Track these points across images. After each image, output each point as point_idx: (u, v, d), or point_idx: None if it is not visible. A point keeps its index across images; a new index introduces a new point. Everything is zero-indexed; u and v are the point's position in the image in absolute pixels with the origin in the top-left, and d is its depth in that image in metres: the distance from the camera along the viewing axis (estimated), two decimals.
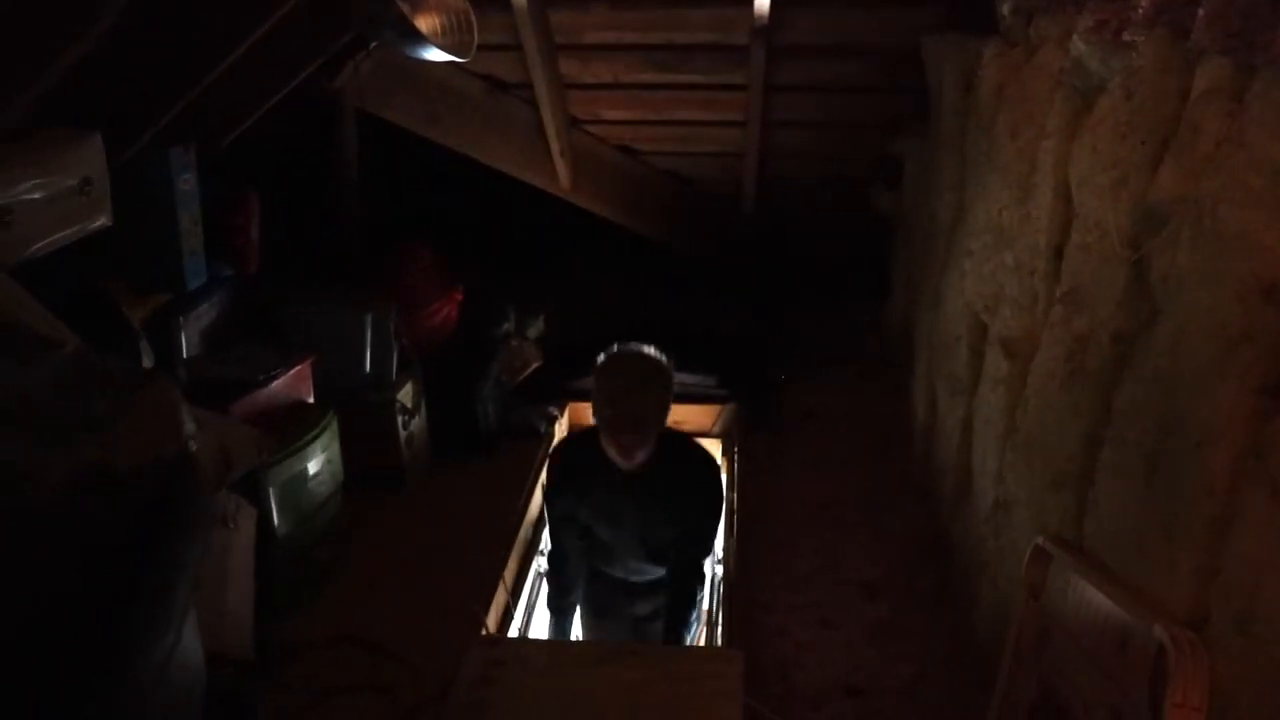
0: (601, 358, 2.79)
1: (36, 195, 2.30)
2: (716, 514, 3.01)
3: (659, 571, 3.08)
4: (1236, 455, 1.45)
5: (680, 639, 2.97)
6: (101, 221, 2.55)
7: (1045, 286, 2.48)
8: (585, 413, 4.13)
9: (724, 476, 3.10)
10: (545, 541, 3.75)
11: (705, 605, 3.43)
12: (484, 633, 3.15)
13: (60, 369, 1.20)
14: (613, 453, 2.75)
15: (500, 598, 3.43)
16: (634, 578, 3.12)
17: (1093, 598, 1.89)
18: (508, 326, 4.51)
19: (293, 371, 3.33)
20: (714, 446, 4.55)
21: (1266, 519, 1.36)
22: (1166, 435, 1.69)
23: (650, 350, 2.78)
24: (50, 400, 1.01)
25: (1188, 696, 1.46)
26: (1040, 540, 2.19)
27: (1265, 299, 1.43)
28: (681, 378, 4.47)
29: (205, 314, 3.51)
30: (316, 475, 3.21)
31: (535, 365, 4.60)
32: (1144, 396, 1.81)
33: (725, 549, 3.72)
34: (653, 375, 2.73)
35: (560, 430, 4.56)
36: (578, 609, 3.26)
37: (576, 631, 3.32)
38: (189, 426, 1.22)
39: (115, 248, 2.77)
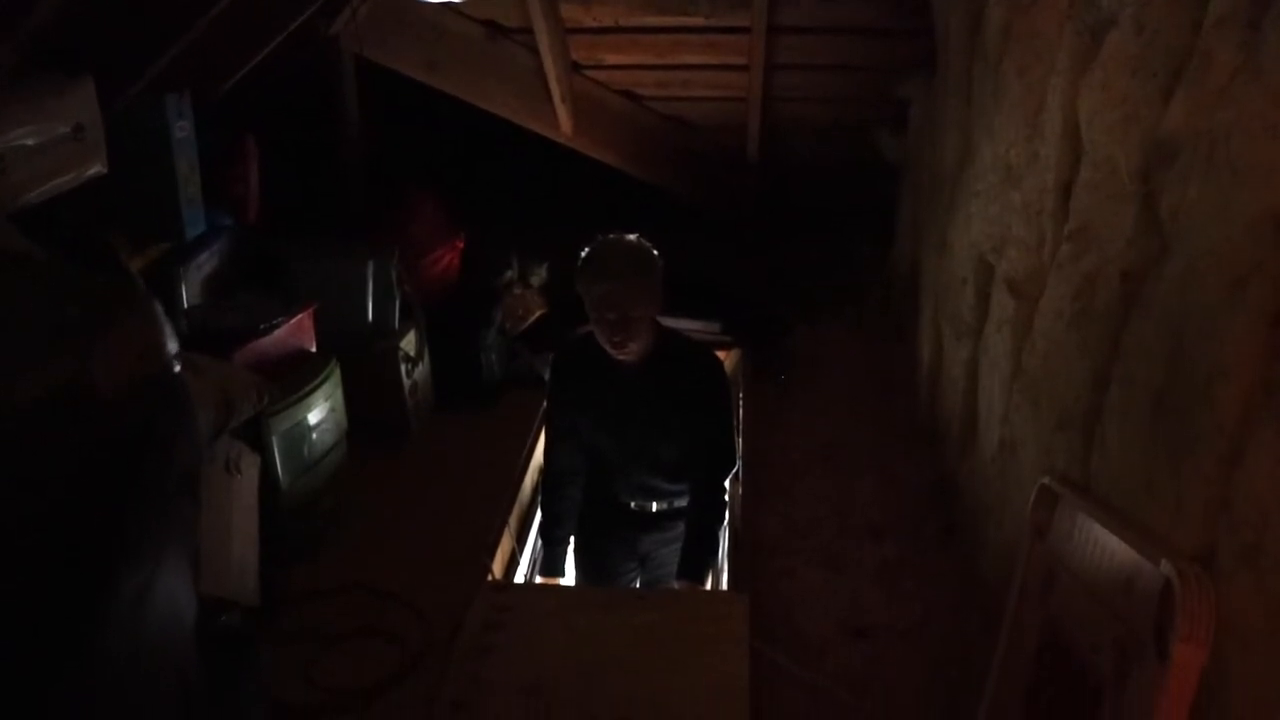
0: (590, 244, 2.73)
1: (29, 141, 2.28)
2: (726, 409, 2.96)
3: (666, 499, 3.03)
4: (1246, 390, 1.43)
5: (699, 574, 2.93)
6: (96, 169, 2.53)
7: (1053, 226, 2.45)
8: None
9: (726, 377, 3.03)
10: None
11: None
12: (490, 579, 3.16)
13: (29, 279, 1.16)
14: (607, 347, 2.70)
15: (506, 544, 3.43)
16: (639, 504, 3.05)
17: (1099, 536, 1.87)
18: (511, 274, 4.49)
19: (294, 320, 3.32)
20: None
21: (1276, 453, 1.34)
22: (1175, 372, 1.67)
23: (634, 237, 2.73)
24: (19, 312, 0.97)
25: (1193, 631, 1.45)
26: (1046, 480, 2.17)
27: (1277, 231, 1.40)
28: (685, 324, 4.46)
29: (206, 263, 3.50)
30: (320, 424, 3.21)
31: (539, 313, 4.59)
32: (1152, 334, 1.79)
33: (730, 494, 3.72)
34: (638, 261, 2.67)
35: None
36: (571, 548, 3.21)
37: (569, 570, 3.26)
38: (172, 344, 1.19)
39: (112, 197, 2.75)
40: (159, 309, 1.22)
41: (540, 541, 3.21)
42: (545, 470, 3.11)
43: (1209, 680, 1.49)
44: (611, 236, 2.73)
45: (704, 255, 5.17)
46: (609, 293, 2.62)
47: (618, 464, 2.97)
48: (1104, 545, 1.85)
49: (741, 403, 4.26)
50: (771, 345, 4.69)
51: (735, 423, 3.68)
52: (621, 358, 2.72)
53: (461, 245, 4.47)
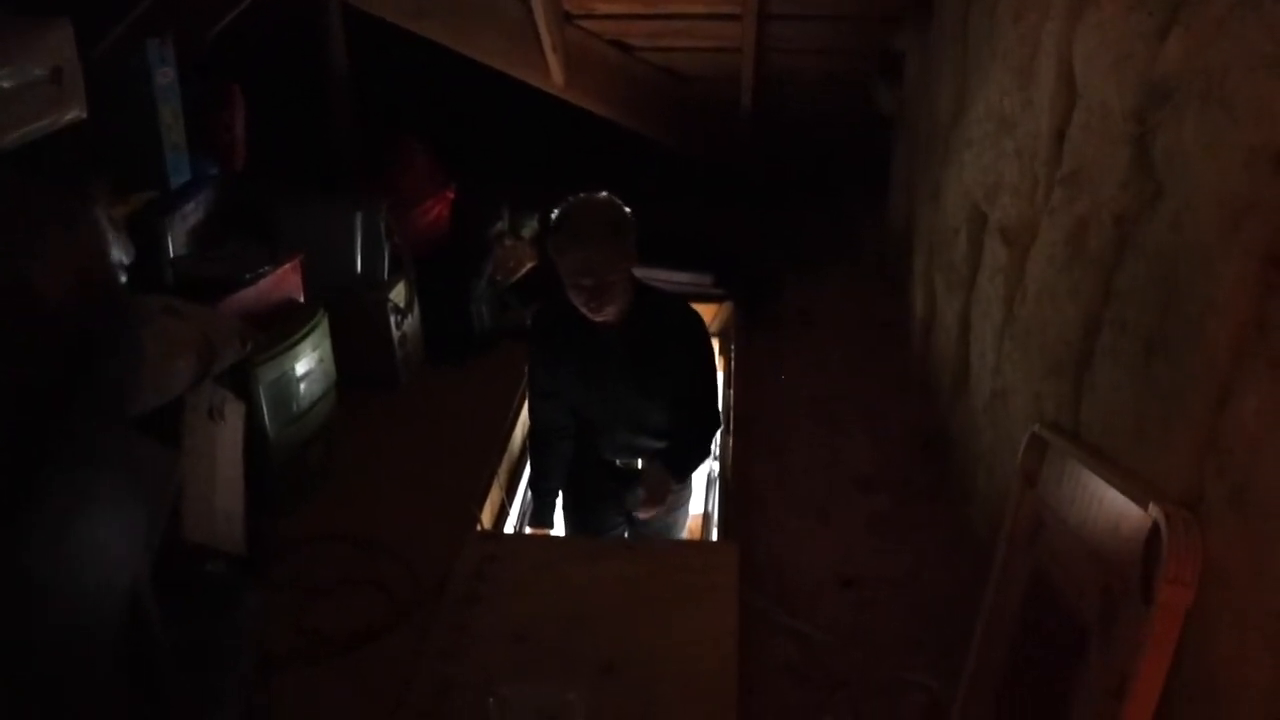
0: (558, 206, 2.65)
1: (4, 84, 2.23)
2: (708, 366, 2.91)
3: (651, 457, 2.97)
4: (1239, 328, 1.41)
5: (678, 469, 2.91)
6: (75, 114, 2.48)
7: (1046, 172, 2.42)
8: None
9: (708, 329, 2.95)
10: None
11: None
12: (478, 529, 3.16)
13: None
14: (584, 311, 2.65)
15: (495, 495, 3.42)
16: (624, 461, 3.00)
17: (1088, 482, 1.86)
18: (501, 226, 4.45)
19: (281, 270, 3.29)
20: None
21: (1267, 391, 1.32)
22: (1167, 313, 1.65)
23: (606, 195, 2.66)
24: None
25: (1180, 573, 1.44)
26: (1036, 428, 2.16)
27: (1273, 167, 1.38)
28: (678, 277, 4.44)
29: (192, 213, 3.46)
30: (307, 374, 3.19)
31: (530, 265, 4.55)
32: (1145, 275, 1.77)
33: (722, 446, 3.71)
34: (611, 223, 2.60)
35: None
36: (560, 505, 3.16)
37: (559, 524, 3.22)
38: (116, 254, 1.16)
39: (95, 144, 2.71)
40: (105, 222, 1.18)
41: (530, 493, 3.19)
42: (531, 428, 3.07)
43: (1192, 623, 1.48)
44: (581, 197, 2.65)
45: (697, 208, 5.14)
46: (583, 259, 2.56)
47: (601, 423, 2.93)
48: (1092, 491, 1.84)
49: (733, 355, 4.24)
50: (764, 298, 4.66)
51: (720, 378, 3.66)
52: (599, 320, 2.67)
53: (451, 196, 4.43)
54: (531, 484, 3.15)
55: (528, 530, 3.19)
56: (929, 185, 3.76)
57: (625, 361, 2.77)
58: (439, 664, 2.45)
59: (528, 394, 3.03)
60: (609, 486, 3.05)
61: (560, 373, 2.84)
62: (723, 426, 2.95)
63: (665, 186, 5.15)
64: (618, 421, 2.90)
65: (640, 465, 3.00)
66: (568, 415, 2.92)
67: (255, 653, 2.13)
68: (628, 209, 2.65)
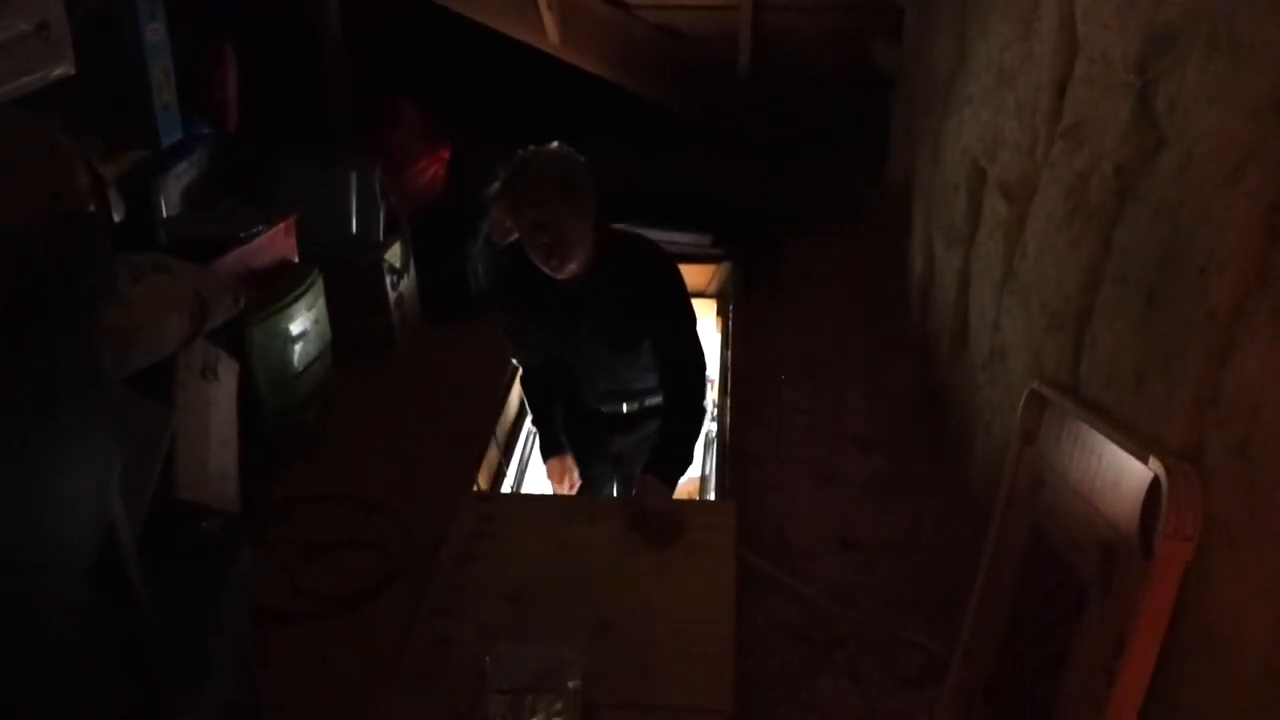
0: (510, 162, 2.56)
1: None
2: (681, 310, 2.78)
3: (637, 400, 2.94)
4: (1242, 279, 1.39)
5: (668, 475, 2.76)
6: (63, 69, 2.44)
7: (1046, 126, 2.39)
8: None
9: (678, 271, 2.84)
10: None
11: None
12: (475, 490, 3.15)
13: None
14: (545, 269, 2.58)
15: (492, 455, 3.41)
16: (608, 407, 2.96)
17: (1087, 438, 1.85)
18: (497, 186, 4.40)
19: (275, 229, 3.26)
20: (709, 306, 4.51)
21: (1270, 342, 1.30)
22: (1168, 265, 1.63)
23: (559, 147, 2.57)
24: None
25: (1180, 526, 1.42)
26: (1035, 385, 2.14)
27: (1278, 114, 1.35)
28: (676, 237, 4.41)
29: (184, 173, 3.43)
30: (302, 335, 3.16)
31: None
32: (1146, 228, 1.74)
33: (720, 406, 3.70)
34: (566, 178, 2.50)
35: None
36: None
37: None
38: (84, 180, 1.13)
39: (84, 102, 2.67)
40: (75, 151, 1.16)
41: (535, 430, 3.19)
42: (520, 372, 3.07)
43: (1191, 578, 1.47)
44: (532, 150, 2.56)
45: (695, 168, 5.10)
46: (536, 217, 2.49)
47: (579, 371, 2.88)
48: (1092, 447, 1.82)
49: (731, 316, 4.22)
50: (762, 258, 4.64)
51: (717, 338, 3.61)
52: (561, 278, 2.60)
53: (447, 156, 4.39)
54: (534, 420, 3.14)
55: (544, 467, 3.14)
56: (928, 143, 3.73)
57: (593, 314, 2.70)
58: (436, 623, 2.45)
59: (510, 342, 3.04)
60: (595, 433, 3.01)
61: (529, 326, 2.80)
62: (708, 371, 2.83)
63: (663, 147, 5.10)
64: (594, 370, 2.85)
65: (625, 410, 2.95)
66: (549, 362, 2.87)
67: (249, 610, 2.12)
68: (582, 160, 2.55)
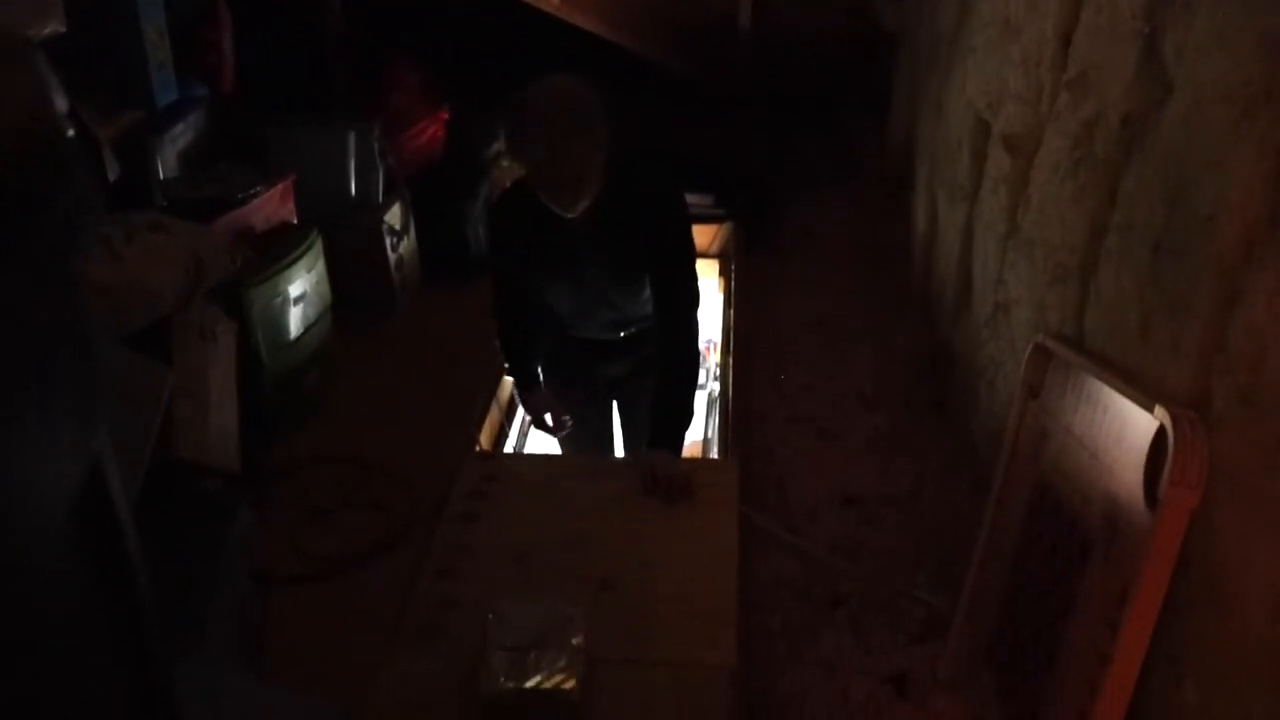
0: (517, 95, 2.34)
1: None
2: (684, 237, 2.64)
3: (633, 325, 2.80)
4: (1249, 224, 1.37)
5: (674, 442, 2.71)
6: (53, 27, 2.42)
7: (1051, 78, 2.36)
8: None
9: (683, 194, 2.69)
10: None
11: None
12: (477, 450, 3.14)
13: None
14: (555, 209, 2.41)
15: (493, 416, 3.40)
16: (606, 335, 2.82)
17: (1092, 390, 1.83)
18: (497, 147, 4.37)
19: (274, 191, 3.24)
20: (711, 266, 4.48)
21: (1276, 287, 1.28)
22: (1175, 213, 1.60)
23: (565, 79, 2.36)
24: None
25: (1185, 475, 1.41)
26: (1039, 339, 2.12)
27: None
28: None
29: (181, 135, 3.40)
30: (302, 297, 3.15)
31: None
32: (1152, 176, 1.72)
33: (722, 365, 3.68)
34: (577, 112, 2.30)
35: None
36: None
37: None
38: (61, 102, 1.11)
39: (76, 60, 2.65)
40: (46, 67, 1.12)
41: (509, 366, 2.95)
42: (495, 306, 2.84)
43: (1196, 527, 1.46)
44: (540, 85, 2.34)
45: (697, 128, 5.06)
46: (549, 160, 2.31)
47: (576, 308, 2.78)
48: (1097, 398, 1.81)
49: (733, 276, 4.20)
50: (765, 218, 4.61)
51: (719, 298, 3.57)
52: (571, 217, 2.44)
53: (445, 117, 4.35)
54: (511, 353, 2.91)
55: (518, 401, 2.97)
56: (931, 99, 3.69)
57: (599, 247, 2.56)
58: (438, 583, 2.44)
59: (492, 278, 2.83)
60: (588, 361, 2.90)
61: (527, 266, 2.64)
62: (699, 303, 2.71)
63: (666, 105, 5.06)
64: (595, 304, 2.74)
65: (621, 335, 2.85)
66: (533, 297, 2.73)
67: (250, 569, 2.12)
68: (591, 90, 2.36)
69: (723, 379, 3.66)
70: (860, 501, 2.94)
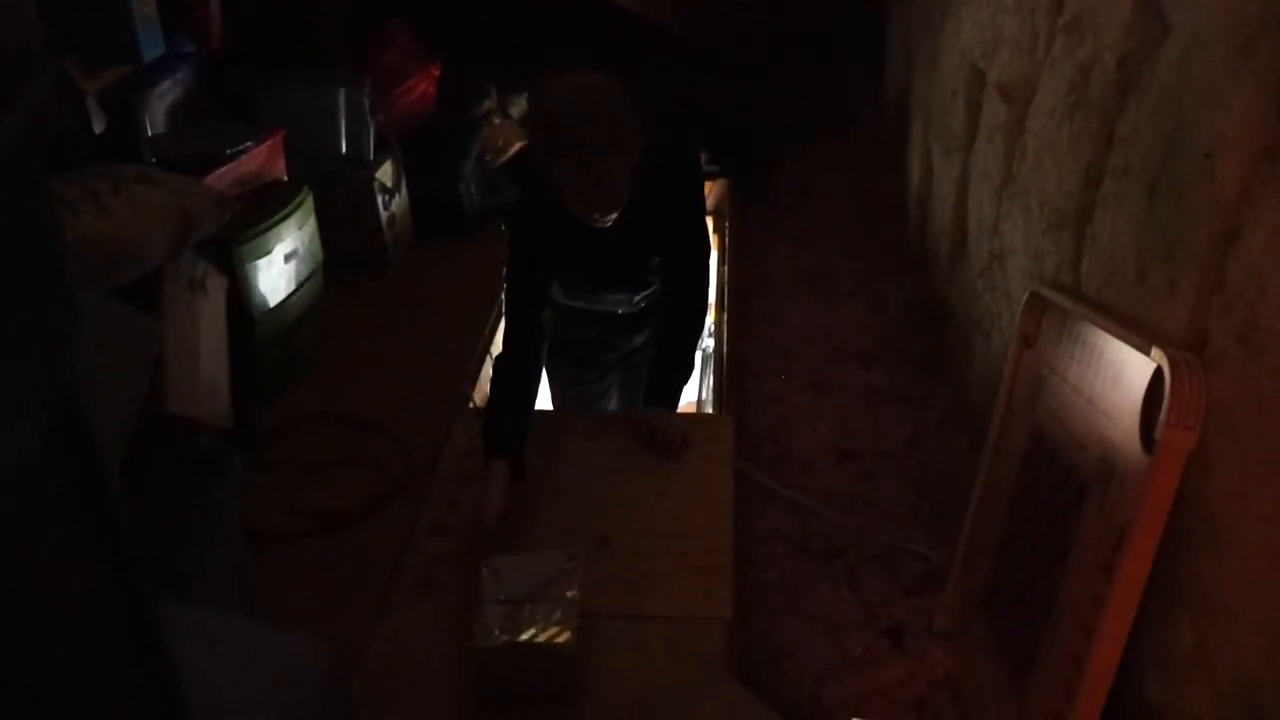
0: (544, 101, 2.22)
1: None
2: (700, 206, 2.59)
3: (650, 293, 2.74)
4: (1249, 160, 1.35)
5: (670, 399, 2.70)
6: None
7: (1046, 23, 2.33)
8: None
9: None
10: None
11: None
12: (471, 407, 3.12)
13: None
14: (584, 219, 2.33)
15: (487, 373, 3.38)
16: (625, 309, 2.77)
17: (1088, 336, 1.82)
18: (489, 104, 4.34)
19: (263, 146, 3.20)
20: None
21: (1275, 223, 1.27)
22: (1172, 155, 1.58)
23: (600, 82, 2.21)
24: None
25: (1182, 416, 1.40)
26: (1035, 287, 2.11)
27: None
28: None
29: (169, 91, 3.37)
30: (293, 254, 3.12)
31: (519, 145, 4.44)
32: (1149, 117, 1.69)
33: (717, 321, 3.66)
34: (614, 126, 2.17)
35: None
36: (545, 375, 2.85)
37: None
38: (29, 9, 1.08)
39: (61, 15, 2.61)
40: None
41: (487, 426, 2.53)
42: (505, 349, 2.60)
43: (1192, 469, 1.45)
44: (569, 88, 2.21)
45: (690, 83, 5.01)
46: (586, 174, 2.19)
47: (595, 290, 2.73)
48: (1093, 344, 1.79)
49: (728, 232, 4.17)
50: (759, 174, 4.58)
51: (714, 256, 3.51)
52: (600, 226, 2.34)
53: (437, 74, 4.31)
54: (494, 416, 2.55)
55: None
56: (926, 51, 3.65)
57: (626, 240, 2.48)
58: (433, 540, 2.44)
59: (505, 300, 2.59)
60: (601, 336, 2.86)
61: (550, 272, 2.54)
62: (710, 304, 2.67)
63: (658, 60, 5.00)
64: (615, 284, 2.69)
65: (637, 302, 2.82)
66: (544, 332, 2.56)
67: (241, 523, 2.11)
68: (623, 93, 2.23)
69: (717, 335, 3.64)
70: (856, 456, 2.93)
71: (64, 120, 2.47)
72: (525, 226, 2.52)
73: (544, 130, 2.22)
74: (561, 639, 1.97)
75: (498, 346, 3.49)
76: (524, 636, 1.97)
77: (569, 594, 2.05)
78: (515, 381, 2.53)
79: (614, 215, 2.33)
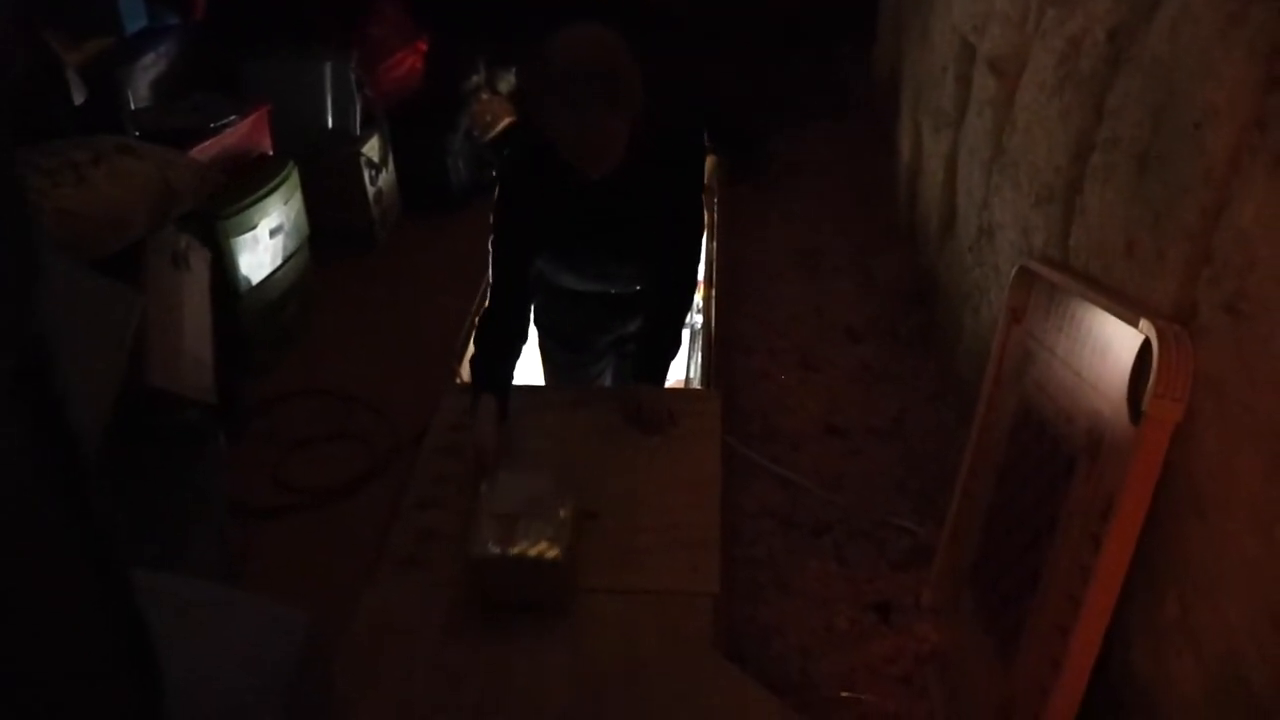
0: (545, 50, 2.17)
1: None
2: (699, 195, 2.54)
3: (641, 276, 2.67)
4: (1239, 130, 1.33)
5: (658, 375, 2.77)
6: None
7: None
8: None
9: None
10: None
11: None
12: (458, 382, 3.11)
13: None
14: (579, 167, 2.27)
15: (473, 348, 3.37)
16: (620, 288, 2.71)
17: (1076, 309, 1.81)
18: (477, 79, 4.30)
19: (248, 120, 3.18)
20: None
21: (1265, 193, 1.26)
22: (1161, 125, 1.57)
23: (597, 35, 2.18)
24: None
25: (1169, 387, 1.39)
26: (1024, 261, 2.10)
27: None
28: None
29: (153, 65, 3.33)
30: (278, 228, 3.10)
31: (507, 120, 4.42)
32: (1139, 89, 1.68)
33: (705, 297, 3.65)
34: (613, 79, 2.15)
35: None
36: (535, 357, 2.87)
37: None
38: None
39: None
40: None
41: (475, 379, 2.58)
42: (490, 310, 2.58)
43: (1180, 440, 1.44)
44: (566, 42, 2.18)
45: (680, 60, 4.97)
46: (577, 131, 2.17)
47: (589, 262, 2.73)
48: (1081, 318, 1.79)
49: (717, 208, 4.15)
50: (750, 151, 4.55)
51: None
52: (595, 176, 2.30)
53: (424, 48, 4.27)
54: (483, 375, 2.56)
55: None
56: (917, 27, 3.64)
57: (615, 199, 2.42)
58: (418, 514, 2.42)
59: (491, 253, 2.55)
60: (595, 315, 2.85)
61: (539, 229, 2.48)
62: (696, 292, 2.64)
63: (649, 38, 4.96)
64: (609, 259, 2.68)
65: (636, 289, 2.77)
66: (530, 288, 2.56)
67: (225, 497, 2.10)
68: (623, 47, 2.19)
69: (706, 310, 3.62)
70: (845, 432, 2.93)
71: (39, 85, 2.44)
72: (514, 178, 2.49)
73: (543, 78, 2.18)
74: (550, 554, 2.03)
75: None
76: (515, 550, 2.03)
77: (562, 513, 2.10)
78: (498, 335, 2.53)
79: (608, 165, 2.27)
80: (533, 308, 2.71)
